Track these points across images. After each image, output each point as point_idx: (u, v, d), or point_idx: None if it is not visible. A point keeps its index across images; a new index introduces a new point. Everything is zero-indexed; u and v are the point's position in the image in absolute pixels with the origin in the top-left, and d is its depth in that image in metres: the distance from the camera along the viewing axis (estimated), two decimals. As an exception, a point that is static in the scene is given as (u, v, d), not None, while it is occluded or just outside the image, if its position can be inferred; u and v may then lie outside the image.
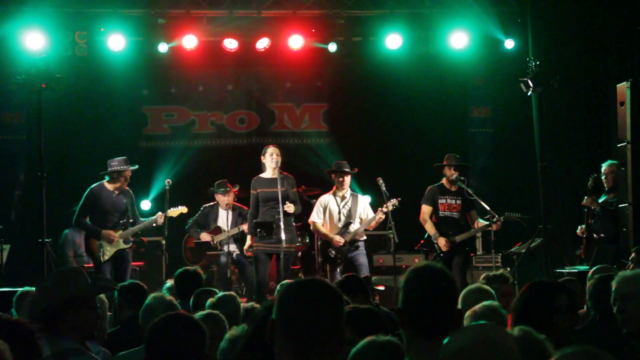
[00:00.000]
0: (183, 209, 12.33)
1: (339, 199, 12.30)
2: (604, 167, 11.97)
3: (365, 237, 12.35)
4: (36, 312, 4.64)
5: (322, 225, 12.32)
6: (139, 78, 15.42)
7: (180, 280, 8.00)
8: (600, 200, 11.87)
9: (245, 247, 12.18)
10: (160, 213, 11.97)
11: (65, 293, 4.69)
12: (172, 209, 12.15)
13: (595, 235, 11.69)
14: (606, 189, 11.96)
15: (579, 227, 12.05)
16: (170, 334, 3.98)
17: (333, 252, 12.17)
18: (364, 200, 12.46)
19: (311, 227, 12.52)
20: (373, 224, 12.22)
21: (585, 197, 11.83)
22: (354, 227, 12.15)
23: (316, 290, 3.05)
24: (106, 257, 11.56)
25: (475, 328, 3.21)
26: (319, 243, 13.48)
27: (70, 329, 4.64)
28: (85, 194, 11.75)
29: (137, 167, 11.95)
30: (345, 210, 12.25)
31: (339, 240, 12.08)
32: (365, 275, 10.60)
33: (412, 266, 3.71)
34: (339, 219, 12.25)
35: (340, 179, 12.22)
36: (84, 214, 11.75)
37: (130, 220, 11.78)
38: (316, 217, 12.37)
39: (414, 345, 3.53)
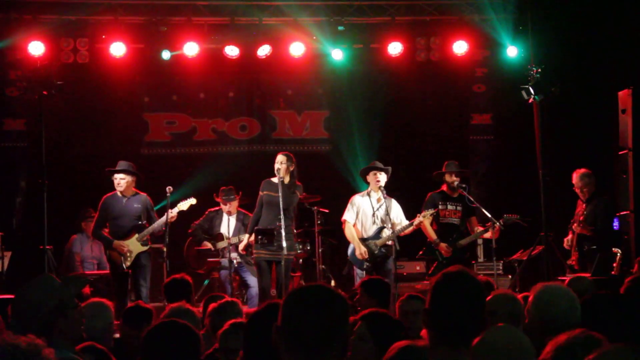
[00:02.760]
0: (192, 201, 12.36)
1: (374, 201, 12.07)
2: (577, 179, 12.00)
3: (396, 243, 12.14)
4: (32, 323, 4.57)
5: (354, 225, 12.21)
6: (140, 85, 15.46)
7: (168, 289, 7.96)
8: (577, 210, 11.98)
9: (242, 246, 12.14)
10: (170, 210, 12.05)
11: (54, 300, 4.66)
12: (181, 202, 12.23)
13: (586, 247, 11.74)
14: (584, 200, 11.99)
15: (565, 240, 12.08)
16: (164, 341, 3.99)
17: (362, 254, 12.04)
18: (397, 205, 12.23)
19: (343, 226, 12.29)
20: (410, 229, 11.98)
21: (575, 224, 11.86)
22: (387, 232, 12.02)
23: (320, 296, 3.05)
24: (127, 264, 11.78)
25: (504, 329, 3.28)
26: (320, 250, 13.50)
27: (60, 337, 4.62)
28: (99, 205, 12.02)
29: (120, 169, 11.98)
30: (380, 213, 12.09)
31: (362, 254, 11.94)
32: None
33: (445, 270, 3.72)
34: (373, 222, 12.13)
35: (375, 178, 12.13)
36: (99, 224, 12.01)
37: (144, 222, 11.93)
38: (348, 216, 12.12)
39: (438, 350, 3.53)
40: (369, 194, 12.16)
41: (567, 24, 14.40)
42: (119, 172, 11.94)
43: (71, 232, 13.91)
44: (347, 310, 3.08)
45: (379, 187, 11.97)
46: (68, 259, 13.68)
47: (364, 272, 11.89)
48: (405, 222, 11.98)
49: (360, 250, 11.90)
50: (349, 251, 12.16)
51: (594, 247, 11.63)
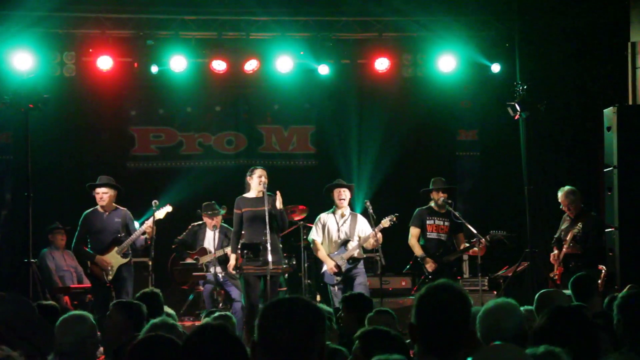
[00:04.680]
0: (168, 209, 12.34)
1: (338, 217, 12.30)
2: (562, 197, 12.04)
3: (364, 256, 12.33)
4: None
5: (322, 243, 12.31)
6: (126, 99, 15.42)
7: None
8: (564, 227, 12.00)
9: (231, 265, 12.11)
10: (145, 223, 12.06)
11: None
12: (157, 212, 12.19)
13: (572, 264, 11.77)
14: (571, 218, 12.03)
15: (552, 255, 12.10)
16: (149, 355, 3.96)
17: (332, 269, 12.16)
18: (363, 220, 12.37)
19: (311, 245, 12.50)
20: (372, 241, 11.99)
21: (565, 246, 11.87)
22: (353, 244, 12.12)
23: (293, 308, 3.05)
24: (110, 278, 11.85)
25: (496, 349, 3.26)
26: (305, 265, 13.50)
27: None
28: (80, 221, 12.08)
29: (102, 183, 12.07)
30: (345, 228, 12.23)
31: (332, 268, 12.04)
32: None
33: (430, 283, 3.72)
34: (338, 237, 12.24)
35: (338, 195, 12.22)
36: (80, 240, 12.10)
37: (123, 234, 12.01)
38: (315, 235, 12.34)
39: None
40: (333, 212, 12.36)
41: (553, 41, 14.47)
42: (101, 186, 12.00)
43: (41, 246, 13.82)
44: (321, 323, 3.07)
45: (342, 204, 12.23)
46: (45, 272, 13.58)
47: (335, 287, 12.07)
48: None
49: (330, 265, 12.08)
50: (322, 270, 12.32)
51: (580, 264, 11.67)
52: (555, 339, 4.21)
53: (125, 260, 11.95)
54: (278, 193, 11.32)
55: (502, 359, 3.24)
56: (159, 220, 12.15)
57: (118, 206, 12.17)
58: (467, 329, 3.60)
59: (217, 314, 6.71)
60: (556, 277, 11.87)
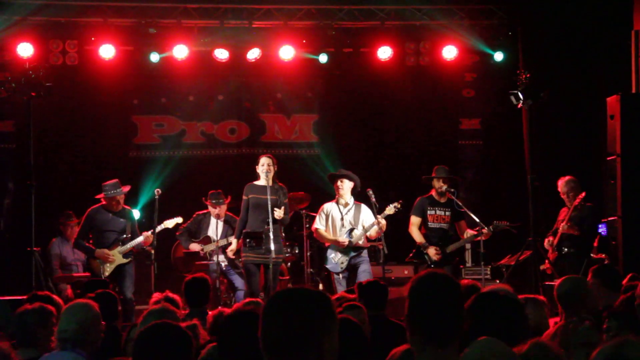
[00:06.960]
0: (178, 220, 12.49)
1: (342, 207, 12.26)
2: (562, 185, 12.04)
3: (368, 245, 12.34)
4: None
5: (325, 231, 12.29)
6: (129, 87, 15.37)
7: (188, 289, 7.92)
8: (561, 219, 12.03)
9: (231, 249, 12.12)
10: (147, 233, 12.16)
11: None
12: (167, 221, 12.36)
13: (565, 249, 11.77)
14: (569, 207, 12.03)
15: (546, 240, 12.09)
16: (156, 343, 3.97)
17: (336, 257, 12.13)
18: (367, 210, 12.33)
19: (314, 234, 12.46)
20: (376, 228, 11.90)
21: (562, 223, 11.86)
22: (357, 233, 12.10)
23: (294, 302, 2.96)
24: (107, 274, 11.94)
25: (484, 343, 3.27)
26: (308, 254, 13.50)
27: None
28: (84, 217, 12.18)
29: (124, 190, 12.21)
30: (348, 217, 12.19)
31: (344, 241, 12.02)
32: None
33: (416, 274, 3.71)
34: (342, 226, 12.20)
35: (336, 185, 12.23)
36: (83, 236, 12.24)
37: (128, 235, 12.10)
38: (319, 224, 12.30)
39: (425, 352, 3.52)
40: (337, 201, 12.32)
41: (556, 29, 14.44)
42: (117, 193, 12.12)
43: (44, 234, 13.81)
44: (325, 315, 2.96)
45: (339, 193, 12.21)
46: (48, 261, 13.59)
47: (340, 275, 12.03)
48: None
49: (340, 240, 12.04)
50: (327, 257, 12.29)
51: (573, 250, 11.68)
52: (484, 324, 4.17)
53: (125, 261, 12.09)
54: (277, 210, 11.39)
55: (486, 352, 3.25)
56: (167, 228, 12.29)
57: (124, 206, 12.27)
58: (460, 316, 3.59)
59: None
60: (547, 269, 11.86)
